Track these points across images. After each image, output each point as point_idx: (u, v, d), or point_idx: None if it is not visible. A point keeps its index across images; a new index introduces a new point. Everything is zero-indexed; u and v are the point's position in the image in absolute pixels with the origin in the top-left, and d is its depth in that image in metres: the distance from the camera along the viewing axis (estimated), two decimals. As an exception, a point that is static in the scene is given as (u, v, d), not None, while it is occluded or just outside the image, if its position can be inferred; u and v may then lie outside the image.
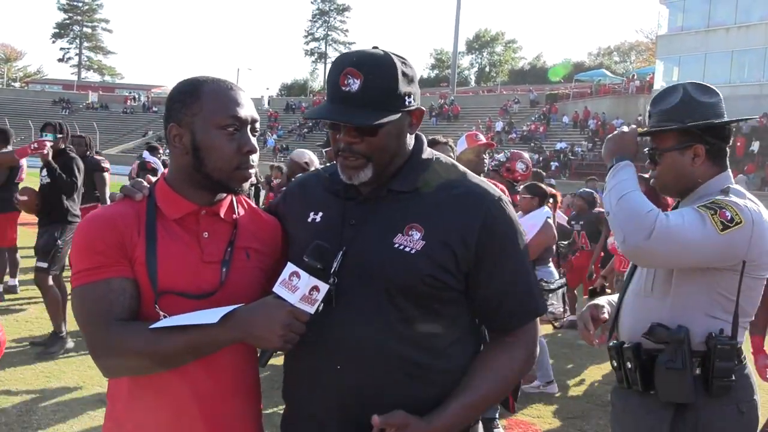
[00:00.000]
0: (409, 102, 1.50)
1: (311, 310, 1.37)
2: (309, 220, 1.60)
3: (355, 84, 1.44)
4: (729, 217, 1.95)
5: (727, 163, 2.18)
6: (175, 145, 1.52)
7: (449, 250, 1.48)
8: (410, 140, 1.59)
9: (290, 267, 1.39)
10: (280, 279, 1.38)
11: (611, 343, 2.22)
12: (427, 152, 1.62)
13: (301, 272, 1.37)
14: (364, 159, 1.49)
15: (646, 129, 2.23)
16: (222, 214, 1.57)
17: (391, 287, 1.47)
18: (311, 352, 1.50)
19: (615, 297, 2.41)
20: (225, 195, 1.58)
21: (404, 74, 1.48)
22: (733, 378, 1.99)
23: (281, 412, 1.69)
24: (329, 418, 1.51)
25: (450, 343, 1.54)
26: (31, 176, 7.56)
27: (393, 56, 1.49)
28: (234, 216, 1.60)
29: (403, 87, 1.48)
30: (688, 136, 2.11)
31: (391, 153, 1.52)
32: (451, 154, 3.74)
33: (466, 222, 1.50)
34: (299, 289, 1.36)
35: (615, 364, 2.18)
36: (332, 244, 1.49)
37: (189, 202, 1.53)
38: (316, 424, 1.53)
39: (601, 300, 2.39)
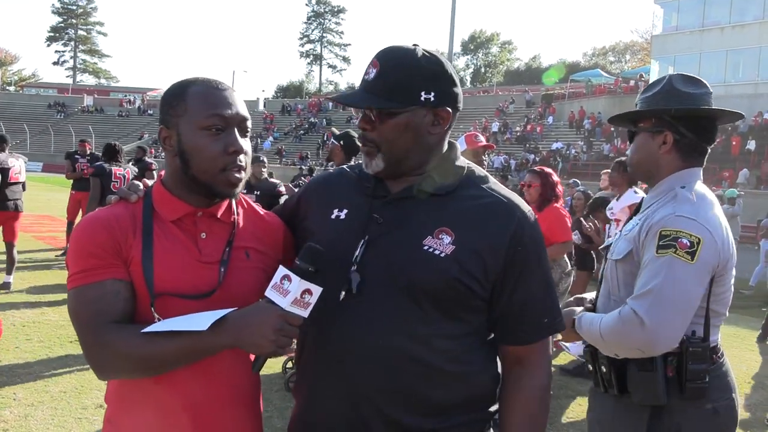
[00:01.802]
0: (427, 98, 1.48)
1: (304, 313, 1.35)
2: (333, 216, 1.58)
3: (372, 72, 1.49)
4: (688, 244, 1.91)
5: (702, 161, 2.14)
6: (166, 148, 1.52)
7: (479, 258, 1.47)
8: (441, 143, 1.58)
9: (281, 270, 1.37)
10: (271, 283, 1.37)
11: (585, 348, 2.20)
12: (461, 160, 1.61)
13: (293, 275, 1.35)
14: (376, 148, 1.51)
15: (615, 115, 2.27)
16: (219, 215, 1.55)
17: (416, 288, 1.45)
18: (327, 349, 1.49)
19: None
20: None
21: (425, 70, 1.47)
22: (707, 380, 1.97)
23: (279, 415, 1.66)
24: (342, 417, 1.49)
25: (466, 349, 1.52)
26: (29, 180, 7.58)
27: (419, 52, 1.49)
28: (232, 216, 1.58)
29: (419, 82, 1.47)
30: (661, 122, 2.11)
31: (404, 148, 1.51)
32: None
33: (497, 231, 1.49)
34: (290, 292, 1.34)
35: (590, 368, 2.18)
36: (356, 240, 1.49)
37: (185, 204, 1.51)
38: (328, 423, 1.51)
39: (588, 294, 2.37)
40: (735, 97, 31.62)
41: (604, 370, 2.09)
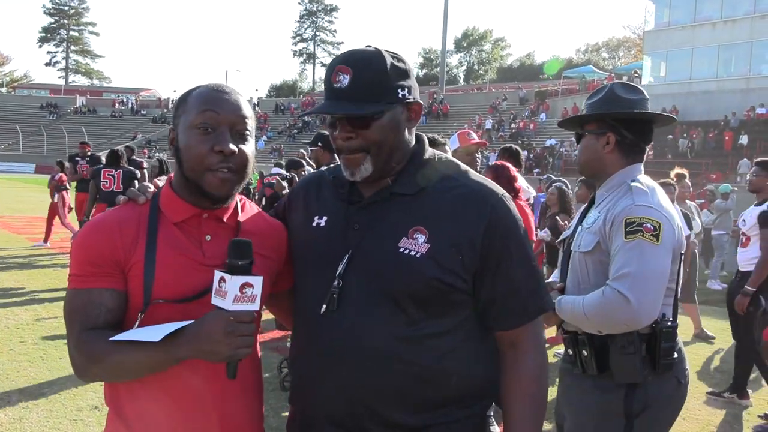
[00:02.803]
0: (403, 95, 1.49)
1: (252, 307, 1.35)
2: (314, 224, 1.59)
3: (345, 79, 1.45)
4: (652, 228, 2.15)
5: (642, 158, 2.40)
6: (171, 149, 1.54)
7: (455, 252, 1.47)
8: (410, 138, 1.57)
9: (217, 274, 1.37)
10: (212, 289, 1.37)
11: (565, 335, 2.38)
12: (429, 152, 1.60)
13: (226, 275, 1.35)
14: (363, 152, 1.48)
15: (564, 119, 2.57)
16: (225, 219, 1.55)
17: (396, 292, 1.46)
18: (318, 356, 1.50)
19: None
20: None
21: (395, 68, 1.49)
22: (676, 356, 2.23)
23: (274, 414, 1.67)
24: (336, 421, 1.50)
25: (456, 344, 1.52)
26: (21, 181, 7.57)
27: (383, 51, 1.50)
28: (238, 220, 1.58)
29: (394, 80, 1.48)
30: (604, 124, 2.36)
31: (390, 146, 1.51)
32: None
33: (471, 222, 1.48)
34: (228, 292, 1.34)
35: (570, 352, 2.36)
36: (338, 249, 1.50)
37: (190, 206, 1.52)
38: (326, 423, 1.52)
39: (552, 280, 2.52)
40: (727, 92, 31.72)
41: (585, 353, 2.27)
